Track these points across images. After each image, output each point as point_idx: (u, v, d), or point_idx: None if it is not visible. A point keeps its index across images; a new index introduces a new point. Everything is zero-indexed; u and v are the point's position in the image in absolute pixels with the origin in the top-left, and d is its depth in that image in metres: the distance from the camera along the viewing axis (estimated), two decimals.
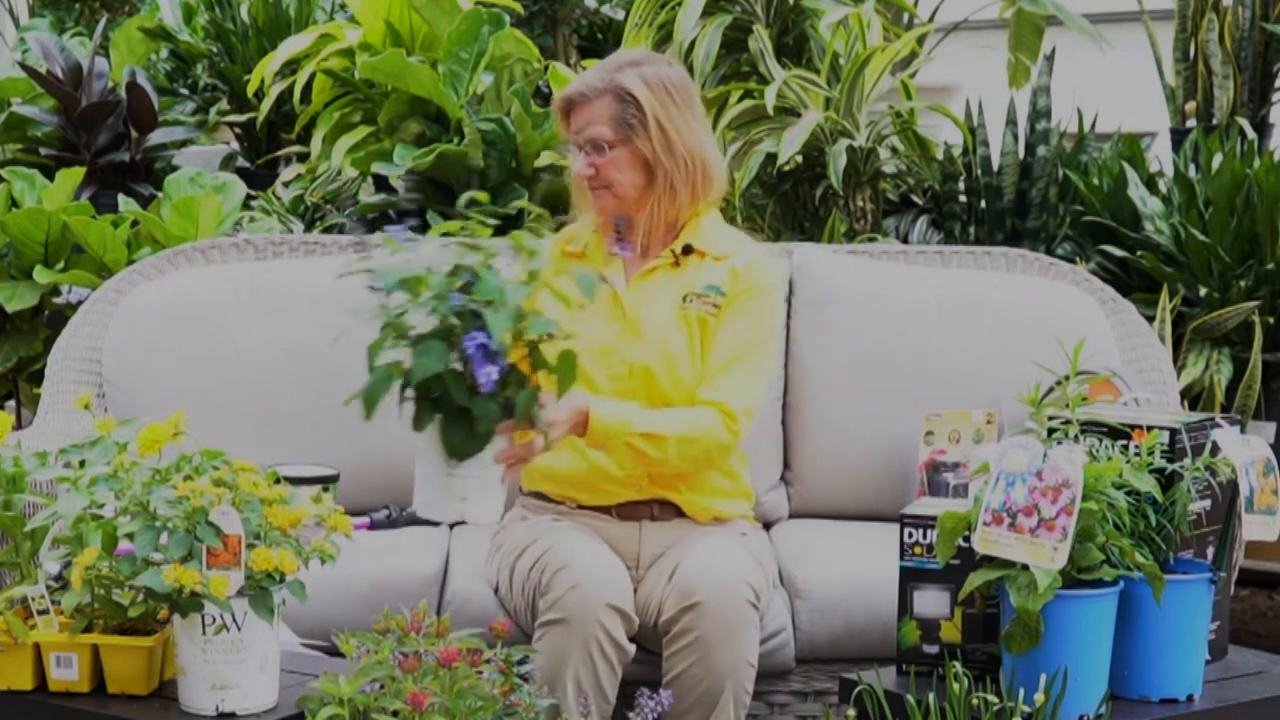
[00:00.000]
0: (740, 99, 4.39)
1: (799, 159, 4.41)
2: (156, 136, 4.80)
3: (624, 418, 2.94)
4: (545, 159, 4.45)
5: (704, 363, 3.06)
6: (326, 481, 3.27)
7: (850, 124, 4.29)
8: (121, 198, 4.41)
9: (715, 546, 2.94)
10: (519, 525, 3.09)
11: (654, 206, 3.06)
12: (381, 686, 2.30)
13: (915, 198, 4.59)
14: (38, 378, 4.23)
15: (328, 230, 4.54)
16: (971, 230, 4.47)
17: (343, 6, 5.37)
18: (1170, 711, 2.54)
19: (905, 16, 5.24)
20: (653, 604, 2.91)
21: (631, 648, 2.84)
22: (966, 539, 2.52)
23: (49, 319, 4.16)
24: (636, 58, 3.10)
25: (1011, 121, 4.43)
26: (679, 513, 3.07)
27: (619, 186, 3.04)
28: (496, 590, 3.08)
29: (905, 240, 4.46)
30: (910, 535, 2.65)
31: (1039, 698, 2.42)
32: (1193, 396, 4.00)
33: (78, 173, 4.32)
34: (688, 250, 3.09)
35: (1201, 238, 4.04)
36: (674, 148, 3.04)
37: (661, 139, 3.02)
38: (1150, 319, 3.91)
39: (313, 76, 4.69)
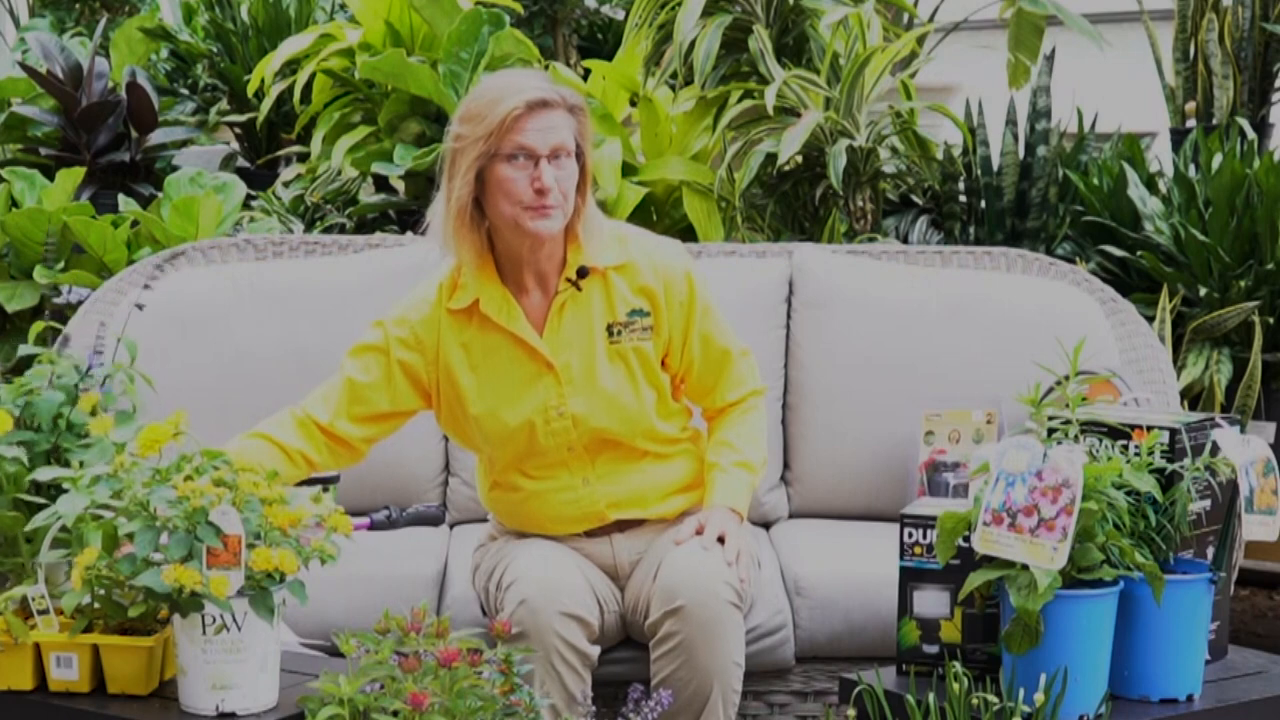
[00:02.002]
0: (740, 99, 4.39)
1: (799, 159, 4.41)
2: (156, 136, 4.80)
3: (747, 481, 3.00)
4: None
5: (700, 377, 3.03)
6: (326, 482, 3.27)
7: (850, 124, 4.29)
8: (121, 198, 4.41)
9: (696, 547, 2.88)
10: (491, 545, 3.08)
11: (574, 230, 2.91)
12: (381, 686, 2.30)
13: (915, 198, 4.59)
14: None
15: (328, 230, 4.54)
16: (971, 230, 4.47)
17: (343, 6, 5.38)
18: (1170, 711, 2.54)
19: (905, 16, 5.24)
20: (640, 604, 2.91)
21: (595, 651, 2.82)
22: (966, 539, 2.51)
23: (49, 319, 4.16)
24: (549, 78, 2.97)
25: (1011, 121, 4.42)
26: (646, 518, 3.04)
27: (569, 203, 2.87)
28: (484, 611, 3.07)
29: (905, 240, 4.46)
30: (910, 535, 2.65)
31: (1039, 698, 2.42)
32: (1193, 396, 4.00)
33: (78, 173, 4.32)
34: (584, 273, 2.94)
35: (1201, 238, 4.04)
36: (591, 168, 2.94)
37: (591, 154, 2.93)
38: (1150, 319, 3.91)
39: (313, 76, 4.69)
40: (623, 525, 3.01)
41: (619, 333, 2.95)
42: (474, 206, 2.88)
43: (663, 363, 3.01)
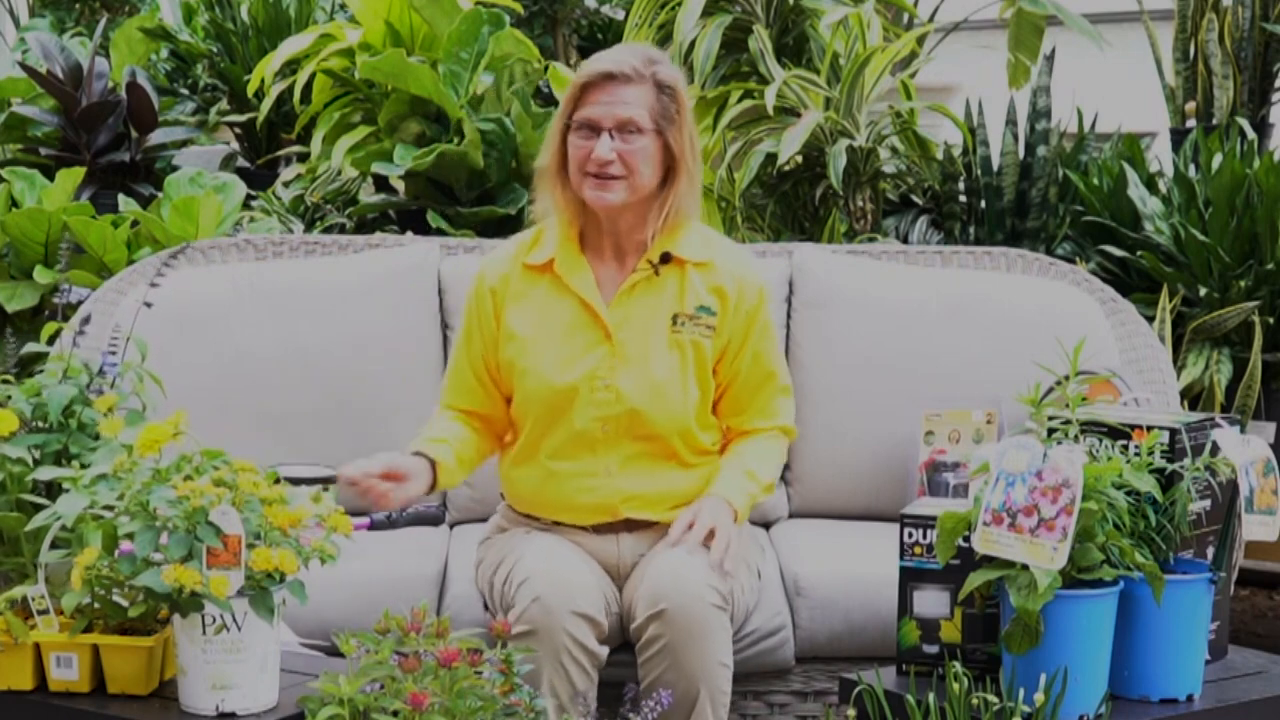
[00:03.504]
0: (740, 99, 4.39)
1: (799, 159, 4.41)
2: (156, 136, 4.80)
3: (750, 489, 2.99)
4: None
5: (738, 394, 3.04)
6: (326, 481, 3.27)
7: (850, 124, 4.29)
8: (121, 198, 4.41)
9: (681, 551, 2.87)
10: (498, 538, 3.07)
11: (658, 208, 2.95)
12: (381, 686, 2.30)
13: (915, 198, 4.59)
14: None
15: (328, 230, 4.54)
16: (971, 230, 4.47)
17: (343, 6, 5.38)
18: (1170, 711, 2.54)
19: (905, 16, 5.24)
20: (631, 607, 2.90)
21: (604, 651, 2.82)
22: (966, 539, 2.51)
23: (49, 319, 4.16)
24: (656, 55, 3.00)
25: (1011, 121, 4.42)
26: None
27: (637, 178, 2.91)
28: (486, 606, 3.07)
29: (905, 240, 4.46)
30: (910, 535, 2.65)
31: (1039, 698, 2.42)
32: (1193, 396, 4.00)
33: (78, 173, 4.32)
34: (666, 259, 2.99)
35: (1201, 238, 4.04)
36: (696, 149, 2.98)
37: (691, 136, 2.96)
38: (1150, 319, 3.91)
39: (313, 76, 4.69)
40: (632, 525, 3.01)
41: (683, 324, 2.98)
42: (560, 171, 2.97)
43: (713, 370, 3.03)
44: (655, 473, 2.99)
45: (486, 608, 3.05)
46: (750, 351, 3.02)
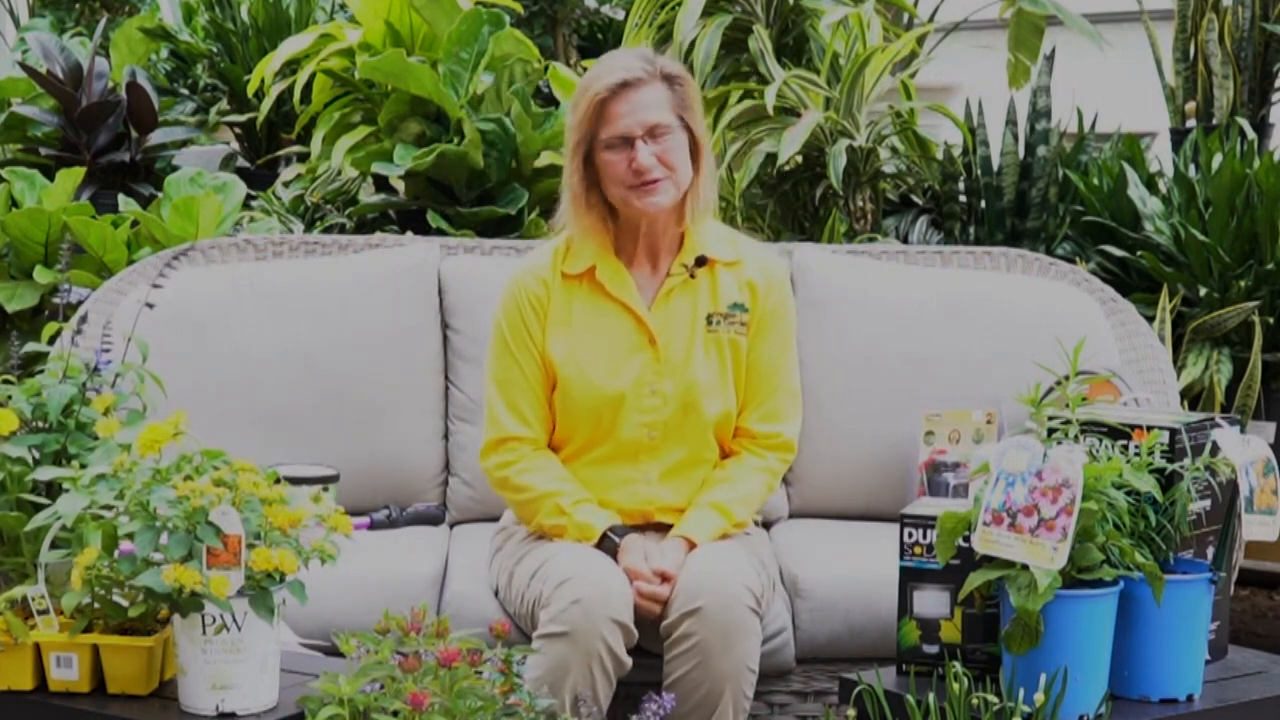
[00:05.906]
0: (740, 99, 4.39)
1: (799, 159, 4.41)
2: (156, 136, 4.80)
3: (719, 526, 2.96)
4: (545, 159, 4.45)
5: (745, 386, 3.04)
6: (326, 481, 3.27)
7: (850, 124, 4.29)
8: (121, 198, 4.41)
9: (718, 551, 2.91)
10: (519, 529, 3.07)
11: (690, 199, 2.95)
12: (381, 686, 2.30)
13: (915, 198, 4.59)
14: None
15: (328, 230, 4.54)
16: (971, 230, 4.47)
17: (343, 6, 5.38)
18: (1170, 711, 2.54)
19: (905, 16, 5.24)
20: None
21: (629, 660, 2.82)
22: (966, 539, 2.51)
23: (49, 319, 4.15)
24: (649, 52, 3.01)
25: (1011, 121, 4.42)
26: None
27: (680, 175, 2.91)
28: (497, 593, 3.07)
29: (905, 240, 4.46)
30: (910, 535, 2.65)
31: (1039, 698, 2.42)
32: (1193, 396, 4.00)
33: (78, 173, 4.31)
34: (701, 262, 3.00)
35: (1201, 238, 4.04)
36: (708, 133, 2.98)
37: (703, 120, 2.96)
38: (1150, 319, 3.90)
39: (313, 76, 4.69)
40: (658, 528, 3.02)
41: (718, 323, 3.00)
42: (589, 190, 2.94)
43: None
44: (693, 479, 3.02)
45: (497, 595, 3.04)
46: (764, 346, 3.03)
